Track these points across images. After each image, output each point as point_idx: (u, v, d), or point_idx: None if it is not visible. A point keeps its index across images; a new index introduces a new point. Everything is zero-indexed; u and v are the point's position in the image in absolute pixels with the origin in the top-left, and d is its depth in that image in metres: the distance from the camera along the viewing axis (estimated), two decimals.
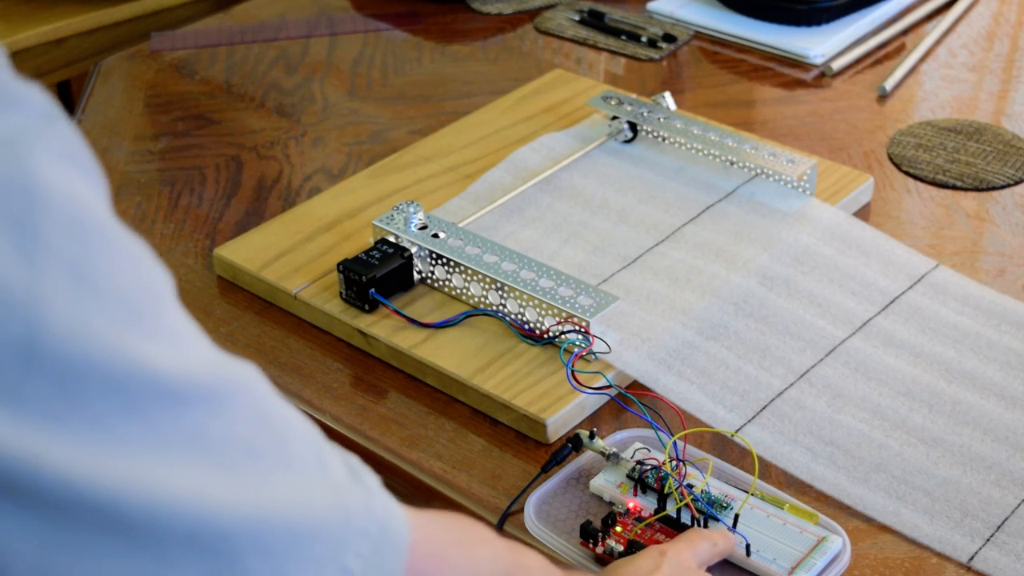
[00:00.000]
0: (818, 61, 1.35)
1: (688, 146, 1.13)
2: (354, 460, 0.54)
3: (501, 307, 0.94)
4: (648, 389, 0.89)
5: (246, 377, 0.49)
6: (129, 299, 0.45)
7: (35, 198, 0.43)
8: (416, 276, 0.98)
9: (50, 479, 0.42)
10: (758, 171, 1.09)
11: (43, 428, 0.42)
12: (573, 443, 0.84)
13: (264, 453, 0.49)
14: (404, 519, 0.53)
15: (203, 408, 0.47)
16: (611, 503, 0.82)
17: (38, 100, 0.45)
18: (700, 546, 0.75)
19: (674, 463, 0.80)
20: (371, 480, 0.54)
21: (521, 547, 0.65)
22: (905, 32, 1.43)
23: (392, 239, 0.98)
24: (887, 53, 1.39)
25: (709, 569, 0.76)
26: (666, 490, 0.79)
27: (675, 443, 0.80)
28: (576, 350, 0.89)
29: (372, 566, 0.51)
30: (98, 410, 0.44)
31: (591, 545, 0.78)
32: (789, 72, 1.35)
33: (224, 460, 0.47)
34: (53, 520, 0.43)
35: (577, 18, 1.46)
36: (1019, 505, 0.81)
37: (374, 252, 0.97)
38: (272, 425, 0.50)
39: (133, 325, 0.45)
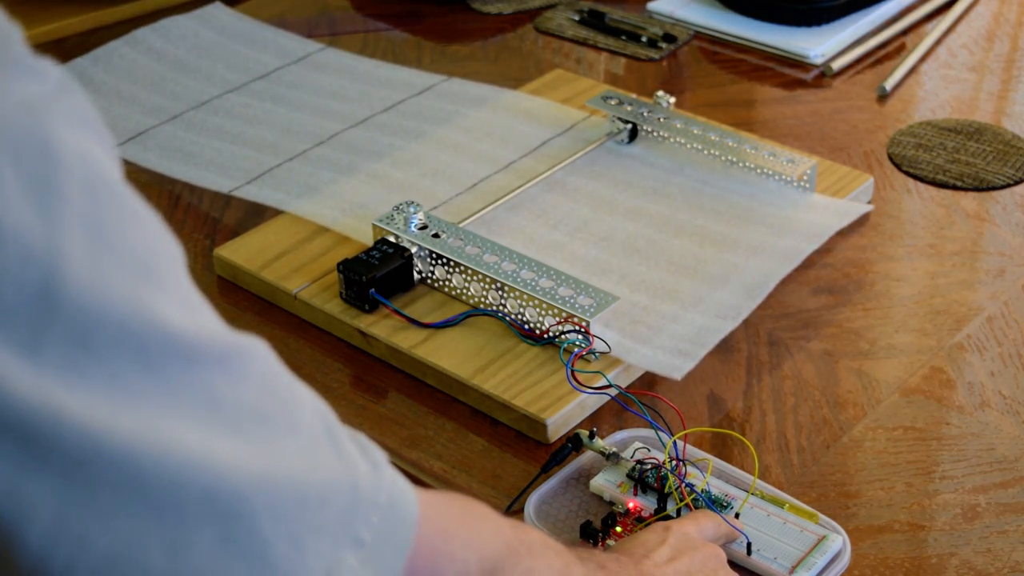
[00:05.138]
0: (818, 61, 1.35)
1: (688, 146, 1.13)
2: (362, 437, 0.55)
3: (501, 307, 0.94)
4: (651, 386, 0.89)
5: (256, 346, 0.51)
6: (143, 258, 0.46)
7: (53, 157, 0.44)
8: (416, 276, 0.98)
9: (69, 432, 0.43)
10: (758, 171, 1.09)
11: (62, 379, 0.43)
12: (573, 443, 0.84)
13: (272, 418, 0.49)
14: (412, 494, 0.55)
15: (215, 370, 0.47)
16: (611, 503, 0.82)
17: (53, 71, 0.47)
18: (704, 524, 0.75)
19: (674, 463, 0.80)
20: (379, 455, 0.55)
21: (522, 524, 0.66)
22: (905, 32, 1.43)
23: (392, 239, 0.98)
24: (887, 53, 1.39)
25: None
26: (666, 490, 0.79)
27: (675, 443, 0.80)
28: (576, 350, 0.89)
29: (382, 537, 0.52)
30: (114, 363, 0.44)
31: (591, 545, 0.78)
32: (789, 72, 1.35)
33: (234, 421, 0.48)
34: (71, 476, 0.44)
35: (577, 18, 1.46)
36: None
37: (374, 252, 0.97)
38: (280, 393, 0.51)
39: (148, 283, 0.46)
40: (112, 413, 0.44)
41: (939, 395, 0.91)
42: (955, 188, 1.14)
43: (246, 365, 0.49)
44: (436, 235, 0.98)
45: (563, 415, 0.87)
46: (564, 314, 0.90)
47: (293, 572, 0.48)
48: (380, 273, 0.95)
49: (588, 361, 0.90)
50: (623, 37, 1.42)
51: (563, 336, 0.90)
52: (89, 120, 0.47)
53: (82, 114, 0.47)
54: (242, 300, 1.02)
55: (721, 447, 0.87)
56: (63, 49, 1.37)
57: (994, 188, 1.14)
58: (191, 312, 0.48)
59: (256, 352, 0.50)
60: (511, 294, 0.93)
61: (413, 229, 0.98)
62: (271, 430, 0.49)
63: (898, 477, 0.84)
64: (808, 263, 1.03)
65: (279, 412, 0.50)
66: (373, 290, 0.94)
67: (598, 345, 0.90)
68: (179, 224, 1.11)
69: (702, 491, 0.79)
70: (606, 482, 0.82)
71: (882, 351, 0.95)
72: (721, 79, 1.35)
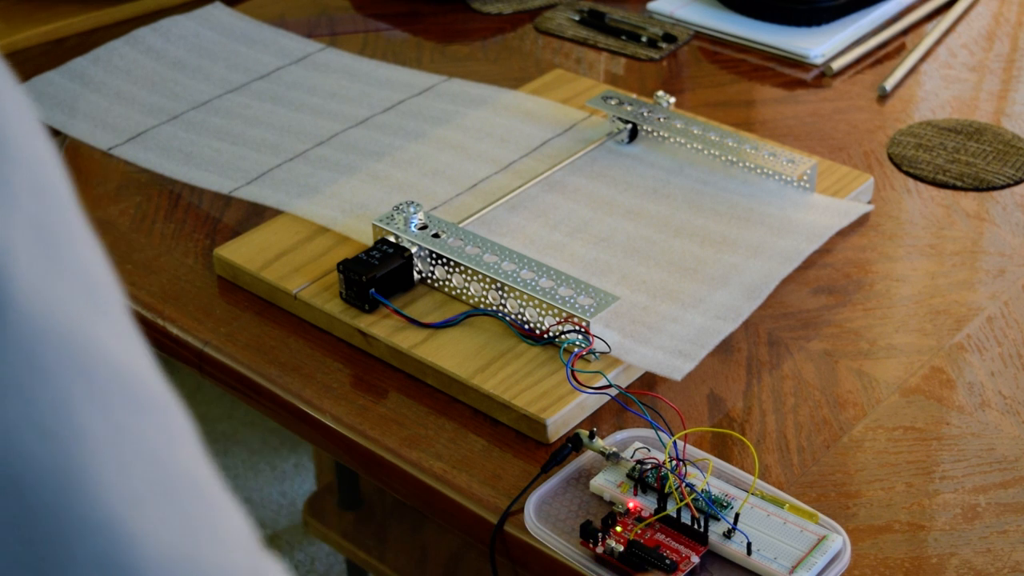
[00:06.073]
0: (818, 61, 1.35)
1: (688, 146, 1.13)
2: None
3: (501, 307, 0.94)
4: (651, 386, 0.89)
5: (177, 405, 0.45)
6: (89, 279, 0.42)
7: (4, 150, 0.40)
8: (416, 276, 0.98)
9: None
10: (758, 171, 1.09)
11: (5, 400, 0.38)
12: (573, 443, 0.84)
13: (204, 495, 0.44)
14: None
15: (155, 418, 0.43)
16: (611, 503, 0.82)
17: None
18: None
19: (674, 463, 0.80)
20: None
21: None
22: (905, 32, 1.43)
23: (392, 239, 0.98)
24: (887, 53, 1.39)
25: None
26: (666, 490, 0.79)
27: (675, 443, 0.80)
28: (576, 350, 0.89)
29: None
30: (59, 381, 0.40)
31: (591, 545, 0.78)
32: (789, 72, 1.35)
33: (168, 488, 0.42)
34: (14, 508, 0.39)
35: (577, 18, 1.46)
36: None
37: (374, 252, 0.97)
38: (211, 487, 0.45)
39: (95, 308, 0.41)
40: (56, 447, 0.39)
41: (939, 395, 0.91)
42: (955, 188, 1.14)
43: (181, 419, 0.44)
44: (436, 235, 0.98)
45: (563, 415, 0.87)
46: (564, 314, 0.90)
47: None
48: (380, 273, 0.95)
49: (588, 361, 0.90)
50: (623, 37, 1.42)
51: (563, 336, 0.90)
52: (37, 123, 0.43)
53: (31, 114, 0.42)
54: (242, 300, 1.02)
55: (721, 447, 0.87)
56: (63, 49, 1.37)
57: (994, 188, 1.14)
58: (138, 353, 0.43)
59: (177, 409, 0.45)
60: (511, 294, 0.93)
61: (413, 229, 0.98)
62: (197, 509, 0.43)
63: (898, 477, 0.84)
64: (808, 263, 1.03)
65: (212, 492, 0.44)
66: (373, 290, 0.95)
67: (598, 345, 0.90)
68: (179, 224, 1.11)
69: (702, 491, 0.79)
70: (606, 482, 0.82)
71: (882, 351, 0.95)
72: (721, 79, 1.35)
